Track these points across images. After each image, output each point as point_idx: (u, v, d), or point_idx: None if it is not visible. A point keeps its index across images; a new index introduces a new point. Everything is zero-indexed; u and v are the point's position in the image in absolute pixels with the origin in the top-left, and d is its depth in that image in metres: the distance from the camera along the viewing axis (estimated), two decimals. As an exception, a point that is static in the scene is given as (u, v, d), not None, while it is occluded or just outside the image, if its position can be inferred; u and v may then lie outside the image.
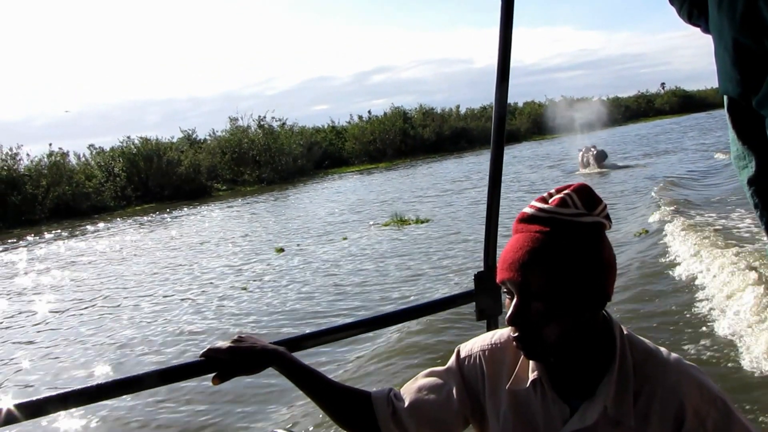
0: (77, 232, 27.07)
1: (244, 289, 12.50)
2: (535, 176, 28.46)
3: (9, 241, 26.43)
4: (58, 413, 5.34)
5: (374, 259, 13.91)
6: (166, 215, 30.45)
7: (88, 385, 1.69)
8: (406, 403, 1.75)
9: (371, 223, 19.22)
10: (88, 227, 28.50)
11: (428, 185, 29.62)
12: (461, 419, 1.74)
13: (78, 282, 15.62)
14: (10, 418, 1.60)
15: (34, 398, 1.63)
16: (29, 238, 26.73)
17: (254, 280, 13.16)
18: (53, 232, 27.98)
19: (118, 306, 12.54)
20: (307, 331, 2.11)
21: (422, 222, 17.63)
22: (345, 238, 17.02)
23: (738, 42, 1.34)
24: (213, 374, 1.76)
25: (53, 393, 1.64)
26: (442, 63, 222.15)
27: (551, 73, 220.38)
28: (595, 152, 28.13)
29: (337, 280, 12.46)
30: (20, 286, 16.02)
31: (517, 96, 73.25)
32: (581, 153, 28.85)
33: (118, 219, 31.32)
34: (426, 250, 14.10)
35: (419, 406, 1.74)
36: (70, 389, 1.66)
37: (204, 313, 11.14)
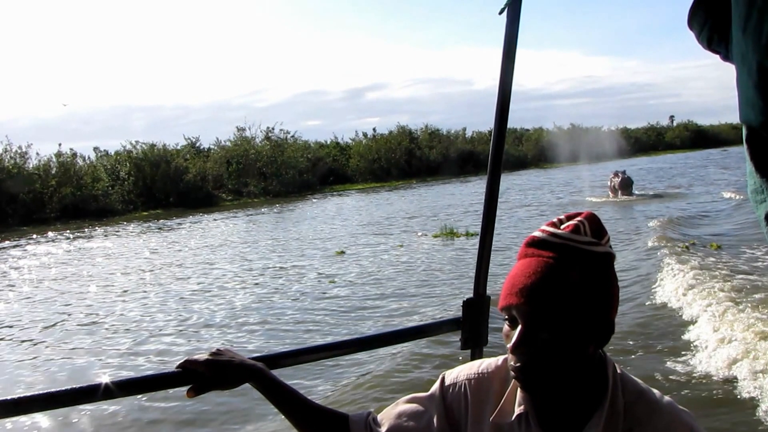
0: (106, 232, 28.78)
1: (332, 282, 14.47)
2: (562, 201, 30.19)
3: (27, 237, 28.07)
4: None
5: (442, 263, 15.96)
6: (181, 220, 32.27)
7: (43, 391, 1.75)
8: (385, 429, 1.78)
9: (420, 233, 21.27)
10: (107, 228, 30.23)
11: (448, 204, 31.51)
12: None
13: (157, 273, 17.52)
14: None
15: None
16: (50, 233, 28.37)
17: (333, 278, 15.05)
18: (68, 231, 29.65)
19: (210, 294, 14.46)
20: (287, 349, 2.23)
21: (471, 235, 19.33)
22: (401, 245, 19.08)
23: (763, 67, 1.28)
24: (188, 387, 1.82)
25: (5, 397, 1.69)
26: (439, 83, 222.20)
27: (554, 99, 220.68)
28: (620, 179, 29.24)
29: (405, 279, 14.48)
30: (107, 270, 17.91)
31: (516, 122, 73.27)
32: (611, 178, 30.05)
33: (133, 222, 33.05)
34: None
35: None
36: (24, 395, 1.72)
37: (308, 301, 13.01)
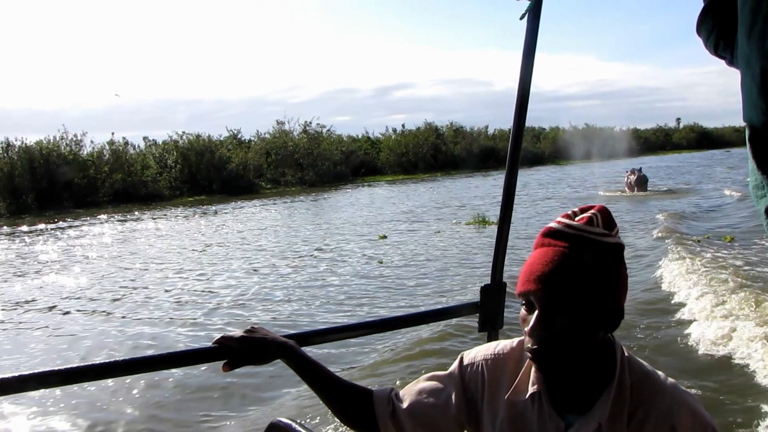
0: (156, 215, 29.00)
1: (380, 262, 14.52)
2: (581, 195, 30.31)
3: (81, 218, 28.41)
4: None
5: (476, 248, 15.87)
6: (226, 206, 32.26)
7: (97, 362, 1.76)
8: (406, 404, 1.80)
9: (454, 221, 21.22)
10: (156, 212, 30.50)
11: (474, 195, 31.48)
12: (457, 425, 1.79)
13: (224, 252, 17.66)
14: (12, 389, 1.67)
15: (43, 370, 1.69)
16: (102, 216, 28.76)
17: (380, 258, 15.07)
18: (121, 213, 30.00)
19: (264, 272, 14.49)
20: (317, 328, 2.23)
21: None
22: (438, 232, 19.02)
23: (766, 71, 1.30)
24: (224, 361, 1.85)
25: (61, 367, 1.69)
26: (462, 83, 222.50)
27: (568, 100, 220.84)
28: (636, 176, 29.27)
29: (445, 261, 14.44)
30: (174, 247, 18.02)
31: (531, 121, 72.99)
32: (627, 175, 30.12)
33: (180, 207, 33.27)
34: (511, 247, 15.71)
35: (418, 408, 1.79)
36: (77, 365, 1.73)
37: (360, 280, 12.99)
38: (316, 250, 16.89)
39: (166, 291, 12.78)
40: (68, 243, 20.94)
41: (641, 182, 29.14)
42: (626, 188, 29.80)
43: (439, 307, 2.75)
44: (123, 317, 10.90)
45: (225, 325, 9.98)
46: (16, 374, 1.63)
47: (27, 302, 12.40)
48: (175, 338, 9.50)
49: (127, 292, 12.83)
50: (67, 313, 11.42)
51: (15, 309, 11.91)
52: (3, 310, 11.91)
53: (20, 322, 10.98)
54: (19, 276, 15.26)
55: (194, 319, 10.57)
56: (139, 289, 13.16)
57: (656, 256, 13.10)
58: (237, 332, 1.85)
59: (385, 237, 18.37)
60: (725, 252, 12.98)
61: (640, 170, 29.82)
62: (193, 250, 18.13)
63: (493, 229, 18.42)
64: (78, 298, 12.54)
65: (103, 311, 11.42)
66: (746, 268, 11.34)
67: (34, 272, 15.64)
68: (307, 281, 13.10)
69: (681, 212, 20.43)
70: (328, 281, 12.98)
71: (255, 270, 14.55)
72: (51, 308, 11.82)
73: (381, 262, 14.50)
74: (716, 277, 10.40)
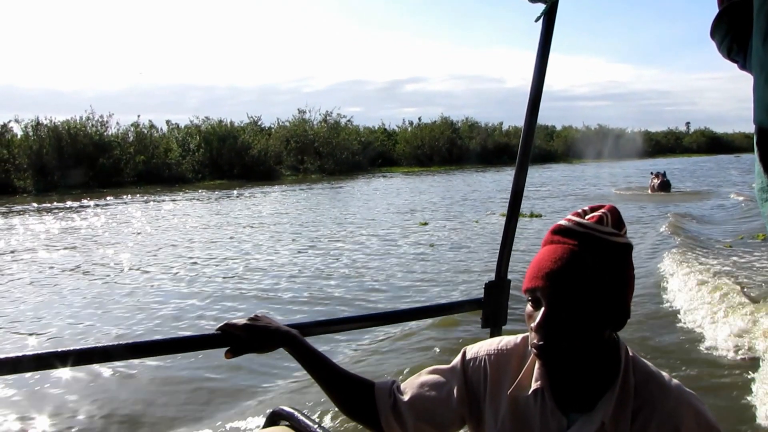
0: (184, 197, 29.13)
1: (432, 246, 14.73)
2: (602, 193, 30.60)
3: (107, 197, 28.62)
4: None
5: (523, 238, 15.72)
6: (249, 190, 32.45)
7: (101, 345, 1.76)
8: (407, 397, 1.80)
9: (487, 212, 21.37)
10: (182, 194, 30.64)
11: (496, 189, 31.47)
12: (458, 419, 1.79)
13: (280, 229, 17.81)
14: (17, 368, 1.68)
15: (42, 351, 1.68)
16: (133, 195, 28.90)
17: (429, 243, 15.24)
18: (147, 194, 30.16)
19: (314, 252, 14.64)
20: (319, 319, 2.21)
21: (536, 216, 19.42)
22: (476, 221, 19.15)
23: None
24: (227, 348, 1.86)
25: (61, 349, 1.69)
26: (474, 79, 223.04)
27: (579, 100, 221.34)
28: (660, 180, 29.40)
29: (490, 247, 14.42)
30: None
31: (541, 119, 73.52)
32: (651, 178, 30.23)
33: (202, 190, 33.58)
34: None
35: (419, 401, 1.78)
36: (81, 347, 1.73)
37: (418, 262, 13.10)
38: (364, 235, 16.97)
39: (220, 266, 12.96)
40: (104, 220, 21.15)
41: (664, 186, 29.27)
42: (649, 190, 29.83)
43: (443, 302, 2.81)
44: (194, 290, 11.01)
45: (293, 299, 10.22)
46: (20, 354, 1.64)
47: (86, 273, 12.58)
48: (254, 310, 9.49)
49: (185, 267, 12.97)
50: (134, 284, 11.58)
51: (80, 279, 12.06)
52: (69, 278, 12.11)
53: (96, 289, 11.17)
54: (70, 248, 15.41)
55: (265, 293, 10.72)
56: (193, 264, 13.30)
57: (668, 256, 12.88)
58: (241, 320, 1.87)
59: (426, 224, 18.58)
60: (758, 254, 12.86)
61: (664, 174, 29.98)
62: (232, 230, 18.27)
63: (525, 221, 18.70)
64: (137, 270, 12.74)
65: (164, 282, 11.63)
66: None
67: (81, 246, 15.79)
68: (362, 261, 13.25)
69: (706, 216, 20.47)
70: (385, 261, 13.13)
71: (302, 251, 14.67)
72: (115, 280, 11.97)
73: (432, 246, 14.70)
74: (733, 276, 10.40)
